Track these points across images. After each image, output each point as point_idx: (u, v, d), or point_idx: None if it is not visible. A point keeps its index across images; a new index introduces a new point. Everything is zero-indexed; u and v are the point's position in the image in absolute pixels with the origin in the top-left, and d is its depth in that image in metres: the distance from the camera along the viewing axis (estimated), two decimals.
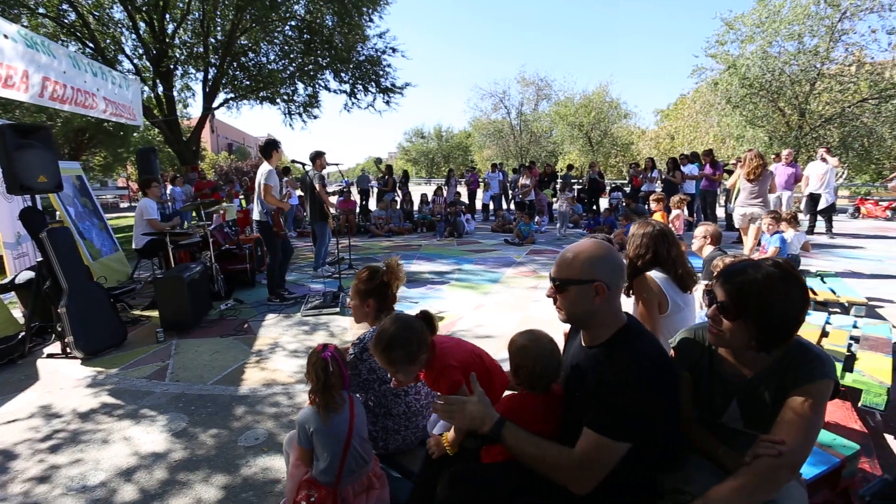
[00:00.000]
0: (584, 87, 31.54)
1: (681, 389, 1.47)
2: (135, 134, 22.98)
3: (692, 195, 9.69)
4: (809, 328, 3.27)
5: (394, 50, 15.91)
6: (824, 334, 3.24)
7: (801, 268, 5.50)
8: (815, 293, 4.31)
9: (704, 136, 20.64)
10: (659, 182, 10.24)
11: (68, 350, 3.73)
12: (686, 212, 8.18)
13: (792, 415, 1.19)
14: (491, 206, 13.64)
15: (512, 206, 13.30)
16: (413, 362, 1.52)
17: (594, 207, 12.67)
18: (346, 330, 4.38)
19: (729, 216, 9.62)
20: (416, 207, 12.98)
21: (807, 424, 1.18)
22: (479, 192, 14.21)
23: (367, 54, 15.82)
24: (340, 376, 1.78)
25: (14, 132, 3.63)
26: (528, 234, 9.31)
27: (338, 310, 4.89)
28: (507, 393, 1.63)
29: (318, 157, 6.22)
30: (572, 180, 14.17)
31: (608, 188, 13.52)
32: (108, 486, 2.20)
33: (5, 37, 5.13)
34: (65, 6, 12.07)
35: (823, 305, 4.17)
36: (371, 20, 15.33)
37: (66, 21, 12.32)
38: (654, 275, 2.22)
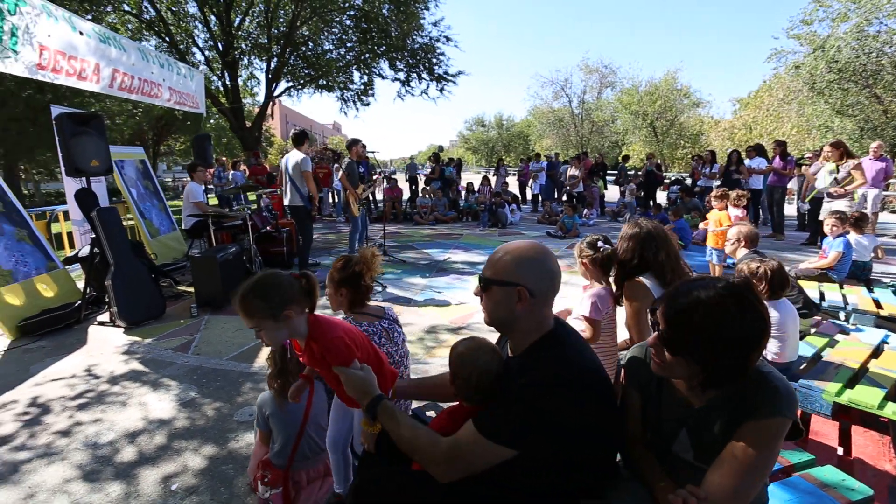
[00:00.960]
0: (650, 74, 29.75)
1: (629, 409, 1.35)
2: (210, 121, 24.72)
3: (757, 191, 8.88)
4: (859, 346, 2.90)
5: (448, 39, 15.89)
6: (875, 355, 2.86)
7: (872, 277, 4.89)
8: (880, 307, 3.81)
9: (787, 125, 18.81)
10: (718, 177, 9.46)
11: (113, 319, 4.11)
12: (751, 211, 7.52)
13: (735, 453, 1.05)
14: (540, 197, 13.31)
15: (564, 198, 12.92)
16: (275, 318, 1.37)
17: (650, 202, 11.97)
18: None
19: (801, 215, 8.73)
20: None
21: (750, 466, 1.03)
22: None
23: (421, 42, 15.87)
24: (299, 363, 1.82)
25: (71, 120, 4.01)
26: (572, 227, 8.99)
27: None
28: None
29: (353, 145, 6.35)
30: (628, 172, 13.44)
31: (668, 181, 12.72)
32: (114, 445, 2.41)
33: (80, 34, 5.65)
34: (146, 4, 13.07)
35: (889, 321, 3.69)
36: (426, 8, 15.37)
37: (145, 18, 13.34)
38: (646, 281, 2.05)
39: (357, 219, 6.24)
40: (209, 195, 9.26)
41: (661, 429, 1.27)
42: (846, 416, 2.19)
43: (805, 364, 2.69)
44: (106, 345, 3.77)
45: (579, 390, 1.12)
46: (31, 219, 4.80)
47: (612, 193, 14.09)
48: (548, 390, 1.09)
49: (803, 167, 8.72)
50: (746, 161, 8.95)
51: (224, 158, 12.23)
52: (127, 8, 13.31)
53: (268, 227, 6.56)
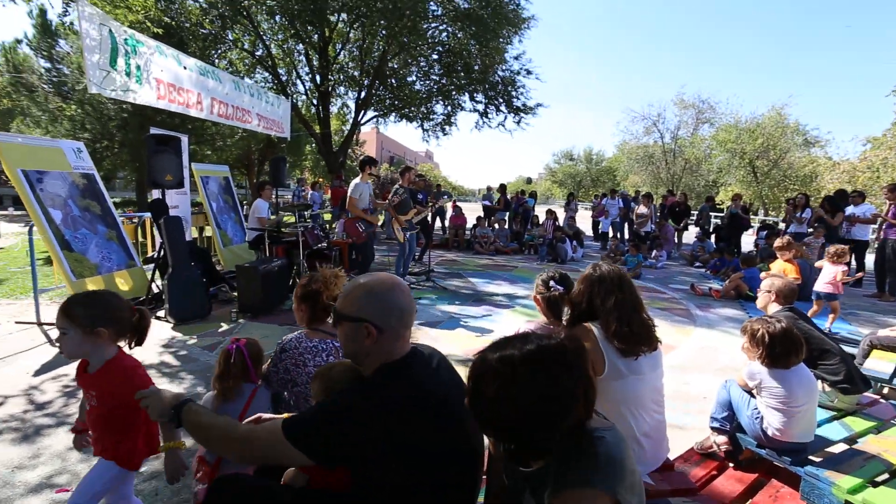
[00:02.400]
0: (752, 109, 27.33)
1: (494, 463, 1.28)
2: (308, 147, 27.20)
3: (862, 243, 7.74)
4: None
5: (528, 72, 16.08)
6: None
7: None
8: None
9: None
10: (810, 224, 8.37)
11: (166, 315, 4.64)
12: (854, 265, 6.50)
13: None
14: (610, 233, 12.75)
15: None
16: (85, 330, 1.46)
17: (733, 247, 10.91)
18: None
19: None
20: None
21: None
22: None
23: (501, 75, 16.23)
24: (243, 368, 1.95)
25: (154, 140, 4.70)
26: (634, 267, 8.47)
27: None
28: None
29: (406, 172, 6.64)
30: (710, 214, 12.38)
31: (756, 226, 11.53)
32: None
33: (185, 68, 6.64)
34: (258, 42, 14.93)
35: None
36: (511, 42, 15.77)
37: (257, 55, 15.22)
38: (593, 327, 1.89)
39: (403, 245, 6.45)
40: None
41: (513, 485, 1.18)
42: None
43: (825, 448, 2.30)
44: (153, 337, 4.25)
45: (387, 410, 1.11)
46: (123, 222, 5.62)
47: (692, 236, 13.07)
48: (352, 404, 1.11)
49: None
50: (850, 208, 7.88)
51: (306, 178, 13.36)
52: (245, 47, 15.34)
53: (321, 245, 7.02)
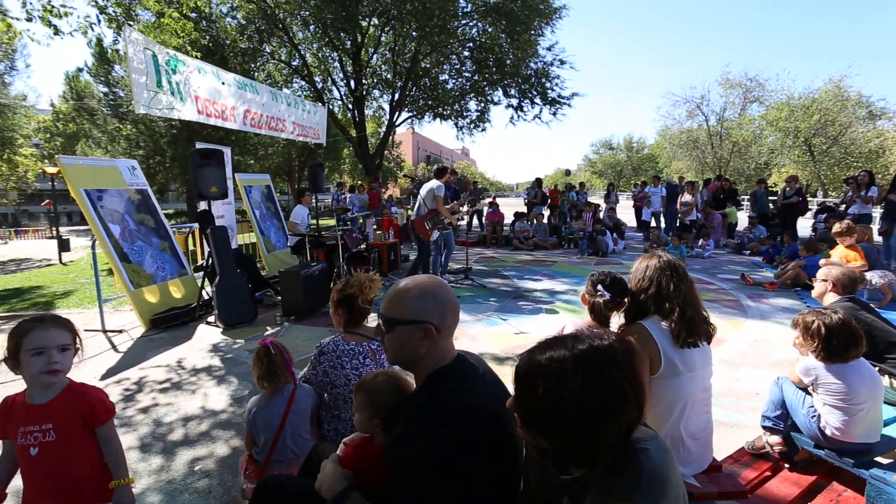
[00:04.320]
0: (806, 83, 25.45)
1: (527, 461, 1.26)
2: (346, 150, 27.85)
3: None
4: None
5: (562, 62, 15.73)
6: None
7: None
8: None
9: None
10: (876, 203, 7.72)
11: (215, 321, 4.87)
12: None
13: None
14: (652, 223, 12.29)
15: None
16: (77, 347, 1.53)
17: (787, 231, 10.24)
18: None
19: None
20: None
21: None
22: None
23: (534, 67, 15.97)
24: (283, 360, 2.03)
25: (199, 154, 4.94)
26: (678, 259, 8.11)
27: None
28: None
29: (443, 173, 6.67)
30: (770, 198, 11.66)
31: (815, 209, 10.78)
32: (170, 425, 2.88)
33: (223, 83, 6.94)
34: (294, 52, 15.39)
35: None
36: (542, 34, 15.48)
37: (294, 65, 15.69)
38: (648, 324, 1.86)
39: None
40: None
41: (550, 493, 1.16)
42: None
43: (894, 450, 2.13)
44: (203, 341, 4.50)
45: (445, 426, 1.09)
46: (174, 234, 5.95)
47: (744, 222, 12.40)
48: (430, 439, 1.07)
49: None
50: None
51: (345, 181, 13.66)
52: (282, 58, 15.86)
53: (361, 247, 7.17)
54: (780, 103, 22.33)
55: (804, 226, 11.38)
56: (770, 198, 11.46)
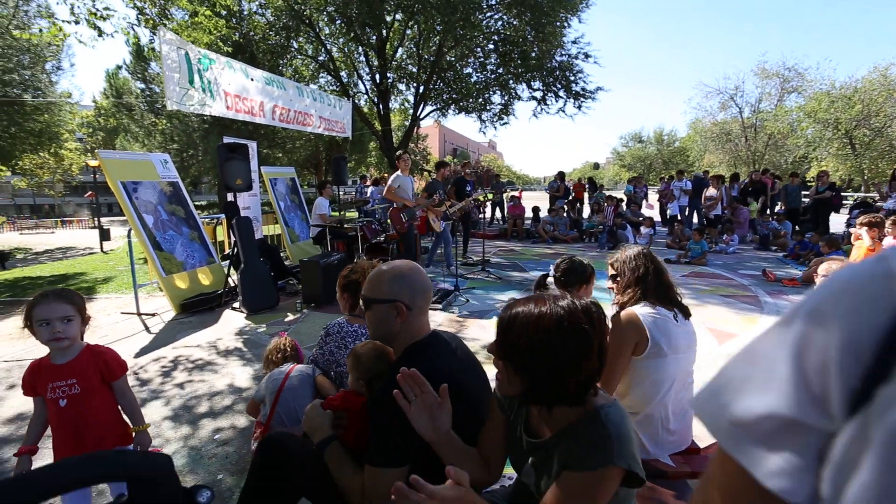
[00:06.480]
0: (850, 72, 24.14)
1: (490, 423, 1.39)
2: (372, 143, 28.24)
3: None
4: None
5: (587, 55, 15.52)
6: None
7: None
8: None
9: None
10: None
11: (240, 306, 5.15)
12: None
13: (548, 500, 1.05)
14: (678, 217, 12.07)
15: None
16: (83, 319, 1.72)
17: (819, 228, 9.91)
18: (439, 324, 4.77)
19: None
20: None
21: None
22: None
23: (559, 60, 15.82)
24: (293, 348, 2.26)
25: (225, 149, 5.20)
26: (699, 254, 8.01)
27: (440, 307, 5.31)
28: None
29: (441, 167, 6.78)
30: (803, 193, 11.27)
31: (851, 204, 10.38)
32: (198, 398, 3.13)
33: (252, 80, 7.22)
34: (321, 48, 15.69)
35: None
36: (569, 24, 15.30)
37: (320, 59, 16.00)
38: (636, 309, 1.95)
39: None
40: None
41: (516, 453, 1.29)
42: None
43: None
44: (229, 325, 4.78)
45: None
46: (203, 224, 6.28)
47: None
48: (391, 405, 1.20)
49: None
50: None
51: (368, 175, 13.91)
52: (309, 53, 16.20)
53: (380, 238, 7.36)
54: (820, 93, 21.35)
55: (839, 221, 10.97)
56: (805, 193, 11.08)
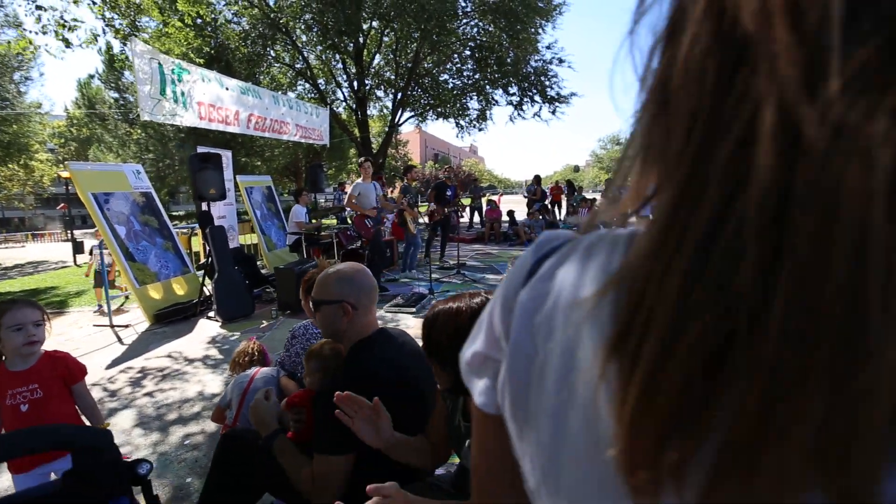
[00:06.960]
0: None
1: (442, 418, 1.49)
2: (352, 151, 28.24)
3: None
4: None
5: (560, 61, 15.85)
6: None
7: None
8: None
9: None
10: None
11: (215, 315, 5.17)
12: None
13: None
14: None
15: None
16: (47, 323, 1.81)
17: None
18: (410, 328, 4.86)
19: None
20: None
21: None
22: None
23: (534, 66, 16.12)
24: (261, 353, 2.34)
25: (198, 159, 5.23)
26: None
27: (414, 310, 5.40)
28: None
29: (408, 171, 6.90)
30: None
31: None
32: (169, 406, 3.17)
33: (227, 89, 7.25)
34: (298, 55, 15.72)
35: None
36: (543, 30, 15.64)
37: (297, 67, 16.02)
38: None
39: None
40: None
41: (456, 439, 1.40)
42: None
43: None
44: (203, 334, 4.79)
45: (359, 379, 1.34)
46: (178, 235, 6.27)
47: None
48: (328, 391, 1.29)
49: None
50: None
51: (348, 181, 13.95)
52: (286, 61, 16.20)
53: (356, 245, 7.43)
54: None
55: None
56: None
